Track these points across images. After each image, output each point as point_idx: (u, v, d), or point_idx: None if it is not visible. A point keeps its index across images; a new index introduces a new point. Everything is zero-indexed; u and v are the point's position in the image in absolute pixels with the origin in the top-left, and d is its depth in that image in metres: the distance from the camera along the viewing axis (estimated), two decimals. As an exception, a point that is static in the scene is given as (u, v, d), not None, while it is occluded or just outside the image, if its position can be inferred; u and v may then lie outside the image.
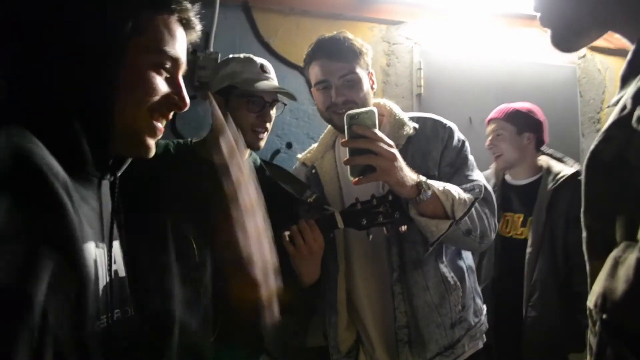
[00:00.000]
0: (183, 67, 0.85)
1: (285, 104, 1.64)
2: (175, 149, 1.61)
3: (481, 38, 2.94)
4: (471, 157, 1.59)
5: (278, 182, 1.57)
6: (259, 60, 1.60)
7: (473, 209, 1.41)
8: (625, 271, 0.53)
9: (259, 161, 1.68)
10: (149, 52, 0.78)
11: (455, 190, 1.41)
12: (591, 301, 0.59)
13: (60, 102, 0.68)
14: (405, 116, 1.62)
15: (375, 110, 1.31)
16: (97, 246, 0.76)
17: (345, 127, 1.28)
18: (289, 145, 2.62)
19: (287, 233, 1.39)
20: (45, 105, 0.68)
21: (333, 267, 1.60)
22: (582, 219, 0.64)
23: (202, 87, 2.44)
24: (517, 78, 2.92)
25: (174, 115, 2.39)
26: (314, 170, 1.69)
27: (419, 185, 1.34)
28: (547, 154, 2.31)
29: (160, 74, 0.80)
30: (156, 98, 0.79)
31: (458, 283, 1.55)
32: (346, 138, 1.28)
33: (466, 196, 1.41)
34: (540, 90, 2.90)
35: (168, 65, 0.81)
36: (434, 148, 1.55)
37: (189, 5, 0.83)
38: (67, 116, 0.69)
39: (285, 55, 2.62)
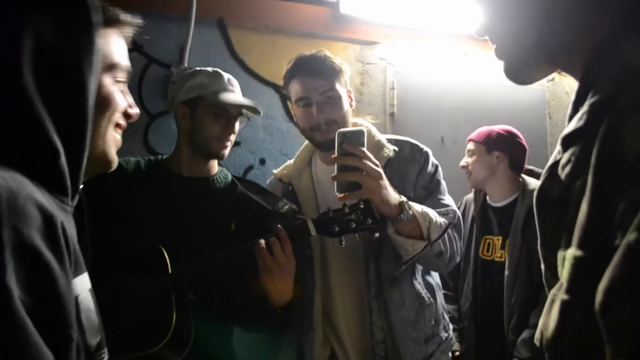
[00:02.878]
0: (129, 76, 0.88)
1: (248, 118, 1.68)
2: (146, 165, 1.63)
3: (453, 60, 3.02)
4: (443, 182, 1.63)
5: (250, 195, 1.60)
6: (225, 75, 1.63)
7: (446, 234, 1.47)
8: (555, 310, 0.56)
9: (230, 177, 1.70)
10: (109, 69, 0.81)
11: (432, 213, 1.44)
12: (536, 335, 0.63)
13: (44, 132, 0.65)
14: (383, 138, 1.65)
15: (366, 130, 1.35)
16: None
17: (336, 143, 1.32)
18: (262, 162, 2.65)
19: (260, 243, 1.40)
20: (28, 136, 0.65)
21: (310, 282, 1.62)
22: (539, 252, 0.67)
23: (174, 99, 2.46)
24: (488, 99, 3.01)
25: (146, 130, 2.46)
26: (290, 187, 1.71)
27: (401, 205, 1.38)
28: (528, 171, 2.35)
29: (119, 87, 0.84)
30: (119, 113, 0.83)
31: (431, 299, 1.60)
32: (336, 154, 1.32)
33: (441, 220, 1.46)
34: (510, 111, 2.99)
35: (123, 78, 0.85)
36: (411, 171, 1.59)
37: (126, 17, 0.87)
38: (54, 147, 0.66)
39: (259, 72, 2.67)
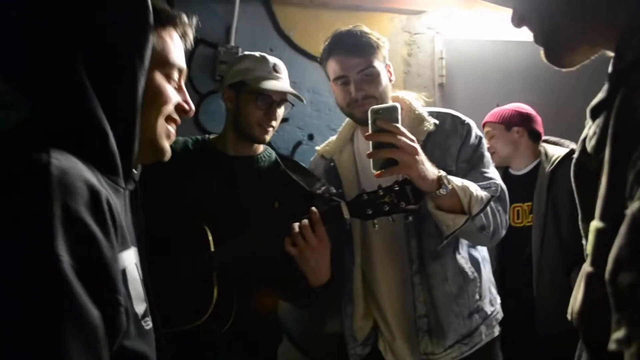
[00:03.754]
0: (185, 76, 0.92)
1: (293, 104, 1.67)
2: (194, 145, 1.66)
3: (503, 24, 2.78)
4: (487, 154, 1.61)
5: (290, 175, 1.63)
6: (272, 60, 1.63)
7: (488, 207, 1.44)
8: (583, 284, 0.58)
9: (274, 155, 1.72)
10: (162, 65, 0.85)
11: (473, 187, 1.42)
12: (568, 310, 0.65)
13: (96, 119, 0.70)
14: (424, 111, 1.63)
15: (399, 106, 1.34)
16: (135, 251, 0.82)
17: (370, 121, 1.31)
18: (311, 137, 2.67)
19: (293, 227, 1.42)
20: (81, 122, 0.70)
21: (349, 258, 1.63)
22: (580, 227, 0.67)
23: (223, 81, 2.48)
24: (544, 63, 2.90)
25: (196, 110, 2.46)
26: (332, 164, 1.71)
27: (439, 179, 1.36)
28: (544, 141, 2.45)
29: (170, 83, 0.87)
30: (171, 107, 0.87)
31: (475, 274, 1.59)
32: (370, 132, 1.32)
33: (483, 194, 1.44)
34: (567, 73, 2.88)
35: (176, 75, 0.89)
36: (452, 144, 1.57)
37: (187, 20, 0.91)
38: (105, 133, 0.71)
39: (305, 48, 2.67)
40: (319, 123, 2.68)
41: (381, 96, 1.54)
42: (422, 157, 1.33)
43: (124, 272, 0.72)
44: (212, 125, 2.50)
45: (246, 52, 1.68)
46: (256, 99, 1.57)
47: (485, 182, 1.50)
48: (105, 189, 0.69)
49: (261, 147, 1.69)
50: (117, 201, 0.73)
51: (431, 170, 1.36)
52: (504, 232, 1.56)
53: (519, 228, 2.34)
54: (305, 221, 1.39)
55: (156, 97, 0.83)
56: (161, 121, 0.85)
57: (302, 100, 1.63)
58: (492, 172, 1.58)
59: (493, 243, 1.58)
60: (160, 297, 0.89)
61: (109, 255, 0.65)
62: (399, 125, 1.31)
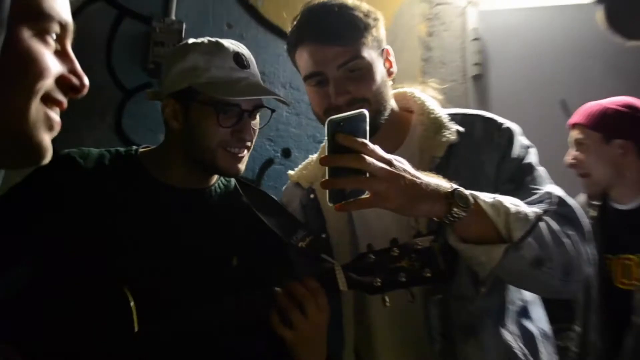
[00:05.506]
0: (71, 35, 0.85)
1: (273, 110, 1.64)
2: (113, 161, 1.61)
3: None
4: (541, 169, 1.58)
5: (256, 214, 1.60)
6: (232, 46, 1.58)
7: (544, 229, 1.39)
8: None
9: (232, 183, 1.70)
10: (32, 18, 0.79)
11: (511, 201, 1.40)
12: None
13: None
14: (443, 114, 1.62)
15: (367, 113, 1.30)
16: None
17: (326, 137, 1.29)
18: (286, 153, 2.66)
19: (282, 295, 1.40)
20: None
21: (334, 339, 1.57)
22: None
23: (158, 71, 2.45)
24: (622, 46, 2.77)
25: (118, 111, 2.63)
26: (312, 195, 1.70)
27: (448, 197, 1.33)
28: None
29: (48, 46, 0.81)
30: (49, 81, 0.81)
31: (529, 357, 1.51)
32: (326, 152, 1.29)
33: (528, 209, 1.40)
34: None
35: (55, 33, 0.82)
36: (487, 159, 1.57)
37: None
38: None
39: (278, 23, 2.62)
40: (299, 133, 2.66)
41: (376, 97, 1.54)
42: (406, 179, 1.30)
43: None
44: (139, 133, 2.47)
45: (189, 41, 1.62)
46: (216, 113, 1.52)
47: (534, 197, 1.46)
48: None
49: (213, 177, 1.66)
50: None
51: (432, 188, 1.33)
52: (588, 270, 1.47)
53: (627, 292, 2.17)
54: (300, 287, 1.38)
55: (25, 67, 0.78)
56: (35, 103, 0.79)
57: (287, 103, 1.67)
58: (550, 189, 1.52)
59: (572, 289, 1.49)
60: None
61: None
62: (366, 140, 1.28)
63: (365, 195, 1.28)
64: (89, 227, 1.49)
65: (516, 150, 1.57)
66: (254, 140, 1.60)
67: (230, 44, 1.59)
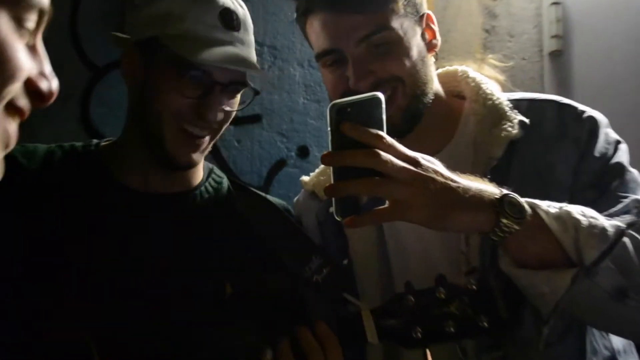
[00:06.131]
0: (45, 23, 0.81)
1: (257, 92, 1.61)
2: (64, 158, 1.59)
3: None
4: (634, 171, 1.51)
5: (258, 234, 1.56)
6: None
7: (629, 248, 1.30)
8: None
9: (225, 186, 1.68)
10: (10, 1, 0.77)
11: (583, 211, 1.32)
12: None
13: None
14: (504, 100, 1.57)
15: (382, 97, 1.25)
16: None
17: (329, 127, 1.24)
18: (303, 152, 2.63)
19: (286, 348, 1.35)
20: None
21: None
22: None
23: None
24: None
25: (86, 95, 2.51)
26: (332, 209, 1.48)
27: (495, 205, 1.26)
28: None
29: (22, 39, 0.78)
30: (17, 84, 0.78)
31: None
32: (330, 146, 1.25)
33: (607, 223, 1.31)
34: None
35: (32, 22, 0.79)
36: (560, 159, 1.51)
37: None
38: None
39: None
40: (319, 126, 2.62)
41: (412, 78, 1.50)
42: (437, 182, 1.24)
43: None
44: (111, 125, 2.34)
45: None
46: (179, 76, 1.47)
47: (619, 206, 1.40)
48: None
49: (200, 172, 1.64)
50: None
51: (472, 193, 1.26)
52: None
53: None
54: (308, 336, 1.32)
55: None
56: None
57: (271, 86, 1.74)
58: None
59: None
60: None
61: None
62: (382, 132, 1.23)
63: (384, 206, 1.24)
64: (32, 248, 1.45)
65: (600, 147, 1.51)
66: (223, 128, 1.57)
67: None
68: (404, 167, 1.21)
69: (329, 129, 1.25)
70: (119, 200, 1.55)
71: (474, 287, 1.30)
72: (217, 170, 1.72)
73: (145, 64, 1.52)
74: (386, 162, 1.20)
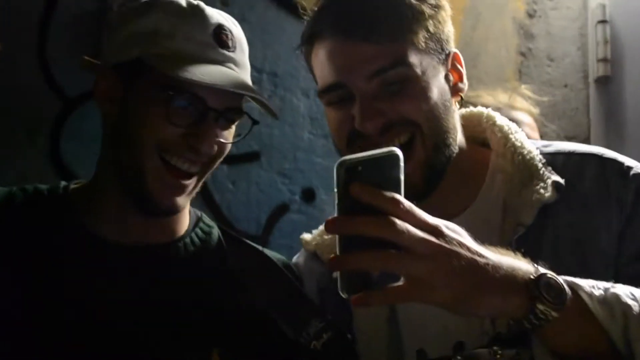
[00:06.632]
0: None
1: (256, 122, 1.59)
2: (27, 203, 1.57)
3: None
4: None
5: (251, 294, 1.57)
6: (215, 15, 1.54)
7: None
8: None
9: (215, 235, 1.65)
10: None
11: (633, 295, 1.26)
12: None
13: None
14: (536, 153, 1.55)
15: (400, 154, 1.16)
16: None
17: (336, 190, 1.15)
18: (309, 195, 2.59)
19: None
20: None
21: None
22: None
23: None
24: None
25: (57, 128, 2.47)
26: (335, 274, 1.40)
27: (530, 287, 1.20)
28: None
29: None
30: None
31: None
32: (335, 213, 1.16)
33: None
34: None
35: None
36: (601, 224, 1.47)
37: None
38: None
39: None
40: (328, 165, 2.55)
41: (430, 124, 1.47)
42: (468, 255, 1.18)
43: None
44: (85, 163, 2.19)
45: None
46: (167, 101, 1.44)
47: None
48: None
49: (185, 219, 1.62)
50: None
51: (504, 272, 1.21)
52: None
53: None
54: None
55: None
56: None
57: (275, 116, 1.59)
58: None
59: None
60: None
61: None
62: (400, 196, 1.16)
63: (399, 283, 1.15)
64: None
65: None
66: (215, 164, 1.55)
67: (216, 13, 1.55)
68: (423, 239, 1.13)
69: (335, 190, 1.15)
70: (89, 254, 1.50)
71: (499, 356, 1.27)
72: (205, 218, 1.66)
73: (125, 89, 1.50)
74: (403, 233, 1.11)
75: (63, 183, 1.62)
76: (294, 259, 1.80)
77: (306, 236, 1.72)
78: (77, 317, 1.45)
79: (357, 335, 1.55)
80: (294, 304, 1.57)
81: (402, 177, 1.17)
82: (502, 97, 1.96)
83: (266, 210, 2.48)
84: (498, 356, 1.28)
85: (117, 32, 1.55)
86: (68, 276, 1.48)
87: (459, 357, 1.30)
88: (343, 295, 1.15)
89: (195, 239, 1.60)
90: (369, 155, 1.15)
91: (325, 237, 1.68)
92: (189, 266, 1.58)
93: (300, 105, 2.47)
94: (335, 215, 1.14)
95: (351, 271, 1.16)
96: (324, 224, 1.56)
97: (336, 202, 1.14)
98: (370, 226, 1.11)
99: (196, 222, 1.64)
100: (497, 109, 1.69)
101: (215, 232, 1.65)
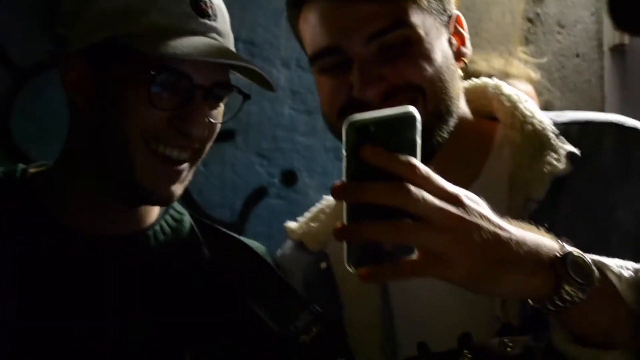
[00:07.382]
0: None
1: (247, 96, 1.51)
2: None
3: None
4: None
5: (229, 286, 1.54)
6: None
7: None
8: None
9: (187, 224, 1.60)
10: None
11: None
12: None
13: None
14: (548, 123, 1.50)
15: (416, 114, 1.08)
16: None
17: (344, 152, 1.09)
18: (290, 178, 2.61)
19: None
20: None
21: None
22: None
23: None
24: None
25: (6, 109, 2.55)
26: (324, 264, 1.59)
27: (556, 265, 1.14)
28: None
29: None
30: None
31: None
32: (343, 177, 1.09)
33: None
34: None
35: None
36: (621, 199, 1.46)
37: None
38: None
39: None
40: (311, 144, 2.63)
41: (434, 89, 1.43)
42: (491, 228, 1.11)
43: None
44: (38, 143, 2.30)
45: None
46: (149, 83, 1.37)
47: None
48: None
49: (154, 207, 1.58)
50: None
51: (527, 248, 1.14)
52: None
53: None
54: None
55: None
56: None
57: (272, 88, 1.51)
58: None
59: None
60: None
61: None
62: (416, 160, 1.09)
63: (412, 256, 1.09)
64: None
65: None
66: (206, 147, 1.48)
67: None
68: (442, 209, 1.08)
69: (343, 151, 1.09)
70: (55, 244, 1.45)
71: (509, 350, 1.25)
72: (175, 205, 1.58)
73: (98, 75, 1.43)
74: (419, 201, 1.06)
75: (21, 166, 1.56)
76: (278, 251, 1.75)
77: (291, 224, 1.69)
78: (33, 315, 1.39)
79: (348, 330, 1.52)
80: (279, 296, 1.54)
81: (418, 140, 1.11)
82: (497, 63, 1.93)
83: (242, 195, 2.50)
84: (510, 346, 1.27)
85: (81, 15, 1.47)
86: (33, 267, 1.42)
87: (465, 351, 1.28)
88: (350, 269, 1.09)
89: (166, 227, 1.56)
90: (383, 115, 1.10)
91: (312, 224, 1.65)
92: (157, 259, 1.53)
93: (280, 77, 2.47)
94: (343, 179, 1.08)
95: (358, 243, 1.11)
96: (311, 211, 1.67)
97: (344, 165, 1.08)
98: (383, 193, 1.06)
99: (165, 210, 1.58)
100: (489, 77, 1.62)
101: (187, 219, 1.60)
